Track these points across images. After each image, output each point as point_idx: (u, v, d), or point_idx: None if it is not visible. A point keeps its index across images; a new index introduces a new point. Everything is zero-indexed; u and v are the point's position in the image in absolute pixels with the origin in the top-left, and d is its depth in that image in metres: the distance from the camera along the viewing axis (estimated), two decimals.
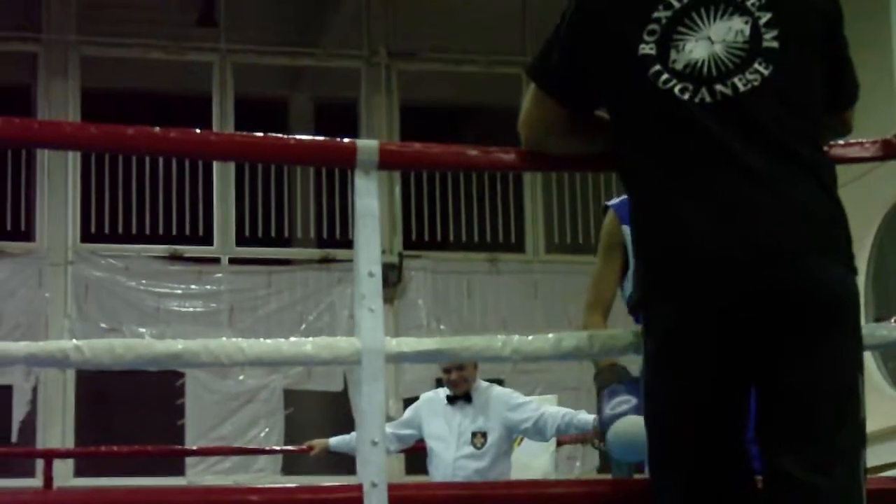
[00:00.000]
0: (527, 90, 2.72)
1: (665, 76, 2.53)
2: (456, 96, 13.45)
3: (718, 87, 2.52)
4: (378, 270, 2.71)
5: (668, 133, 2.53)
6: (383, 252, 12.41)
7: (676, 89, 2.52)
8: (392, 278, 12.34)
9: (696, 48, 2.54)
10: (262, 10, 12.74)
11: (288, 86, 13.28)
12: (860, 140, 2.95)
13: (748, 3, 2.55)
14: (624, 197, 3.98)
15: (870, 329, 2.89)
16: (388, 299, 12.27)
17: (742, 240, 2.46)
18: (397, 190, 12.51)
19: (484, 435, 6.48)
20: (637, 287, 2.61)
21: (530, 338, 2.82)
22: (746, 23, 2.55)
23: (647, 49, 2.54)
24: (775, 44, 2.54)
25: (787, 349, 2.48)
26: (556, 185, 12.76)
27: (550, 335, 2.83)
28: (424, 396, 6.77)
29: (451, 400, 6.55)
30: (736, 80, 2.52)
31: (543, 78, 2.67)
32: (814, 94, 2.60)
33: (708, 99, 2.52)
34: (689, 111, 2.52)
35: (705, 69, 2.52)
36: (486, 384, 6.64)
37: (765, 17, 2.55)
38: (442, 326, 12.30)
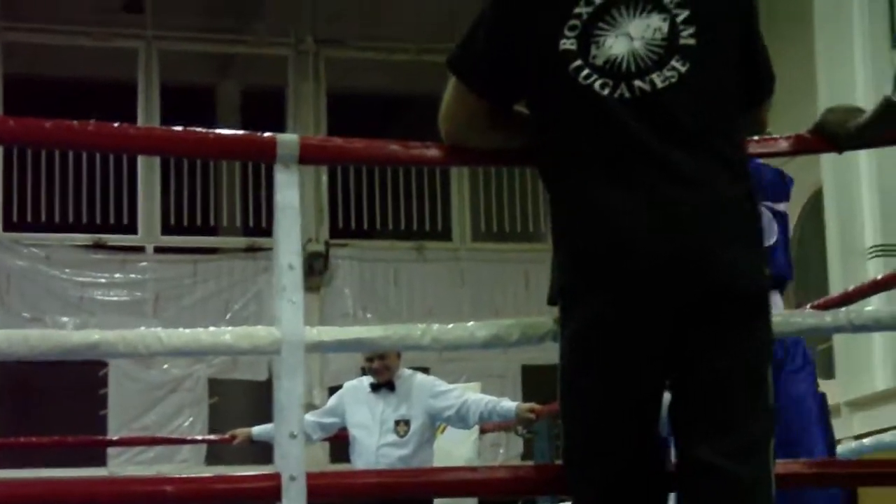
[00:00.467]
0: (448, 83, 2.73)
1: (586, 71, 2.55)
2: (386, 85, 13.44)
3: (637, 82, 2.55)
4: (298, 263, 2.72)
5: (589, 128, 2.56)
6: (310, 241, 12.47)
7: (596, 85, 2.55)
8: (318, 267, 12.33)
9: (616, 44, 2.56)
10: None
11: (215, 73, 13.21)
12: (776, 136, 3.00)
13: (666, 1, 2.58)
14: None
15: (784, 317, 2.94)
16: (315, 288, 12.26)
17: (662, 232, 2.49)
18: (324, 179, 12.50)
19: (407, 423, 6.50)
20: (558, 277, 2.63)
21: (449, 326, 2.84)
22: (664, 20, 2.58)
23: (567, 44, 2.56)
24: (692, 41, 2.58)
25: (703, 339, 2.52)
26: (483, 173, 12.80)
27: (469, 324, 2.85)
28: (348, 385, 6.78)
29: (374, 388, 6.56)
30: (654, 76, 2.55)
31: (465, 71, 2.68)
32: (730, 90, 2.63)
33: (627, 94, 2.55)
34: (608, 106, 2.54)
35: (624, 65, 2.55)
36: (409, 372, 6.65)
37: (682, 15, 2.58)
38: (368, 315, 12.31)
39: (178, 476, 3.14)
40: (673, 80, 2.55)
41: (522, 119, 2.71)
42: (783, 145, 3.01)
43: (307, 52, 12.75)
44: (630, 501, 2.59)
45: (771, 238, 3.78)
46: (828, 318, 3.06)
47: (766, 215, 3.82)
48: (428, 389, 6.54)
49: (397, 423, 6.49)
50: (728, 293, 2.53)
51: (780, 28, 11.21)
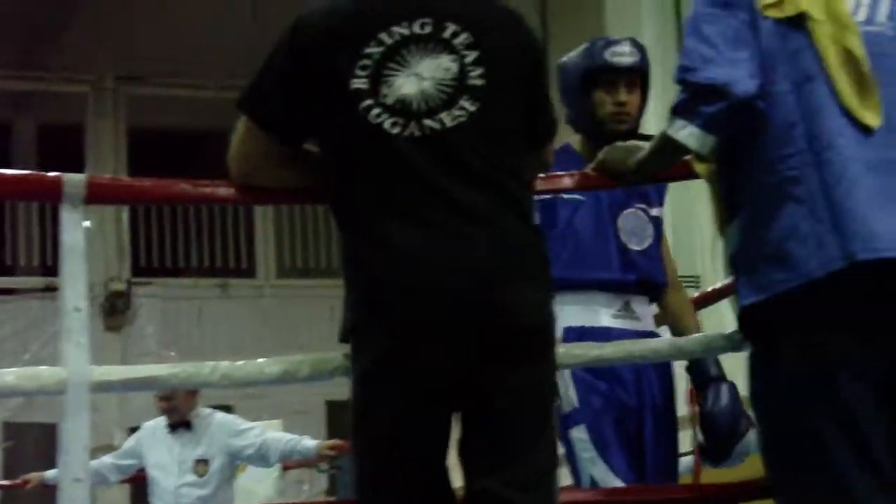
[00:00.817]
0: (237, 123, 2.73)
1: (376, 110, 2.59)
2: (187, 122, 13.33)
3: (427, 122, 2.60)
4: (84, 305, 2.69)
5: (380, 166, 2.60)
6: (111, 279, 12.27)
7: (387, 124, 2.59)
8: (120, 306, 12.14)
9: (406, 84, 2.61)
10: None
11: (12, 109, 12.93)
12: (561, 173, 3.08)
13: (455, 42, 2.65)
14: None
15: (567, 349, 3.02)
16: (116, 327, 12.07)
17: (450, 268, 2.54)
18: (125, 216, 12.33)
19: (206, 462, 6.46)
20: (349, 314, 2.66)
21: (239, 363, 2.83)
22: (454, 61, 2.64)
23: (359, 83, 2.60)
24: (480, 81, 2.64)
25: (490, 375, 2.58)
26: (287, 210, 12.78)
27: (259, 360, 2.85)
28: (146, 425, 6.70)
29: (171, 428, 6.50)
30: (444, 115, 2.61)
31: (256, 109, 2.69)
32: (516, 131, 2.71)
33: (417, 133, 2.59)
34: (398, 145, 2.59)
35: (415, 105, 2.60)
36: (208, 411, 6.61)
37: (471, 56, 2.64)
38: (172, 354, 12.13)
39: None
40: (462, 119, 2.61)
41: (313, 158, 2.74)
42: (567, 182, 3.09)
43: (106, 89, 12.58)
44: None
45: (645, 242, 3.77)
46: (608, 349, 3.14)
47: (642, 218, 3.85)
48: (227, 429, 6.50)
49: (196, 462, 6.43)
50: (513, 330, 2.58)
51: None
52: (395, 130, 2.58)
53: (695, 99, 2.61)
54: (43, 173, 2.75)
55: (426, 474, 2.63)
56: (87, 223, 2.83)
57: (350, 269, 2.67)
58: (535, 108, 2.77)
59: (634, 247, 3.78)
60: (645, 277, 3.77)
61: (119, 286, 12.11)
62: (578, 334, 3.62)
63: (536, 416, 2.63)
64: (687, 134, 2.63)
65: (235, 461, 6.59)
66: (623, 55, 3.75)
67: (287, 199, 3.14)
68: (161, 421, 6.59)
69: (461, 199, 2.58)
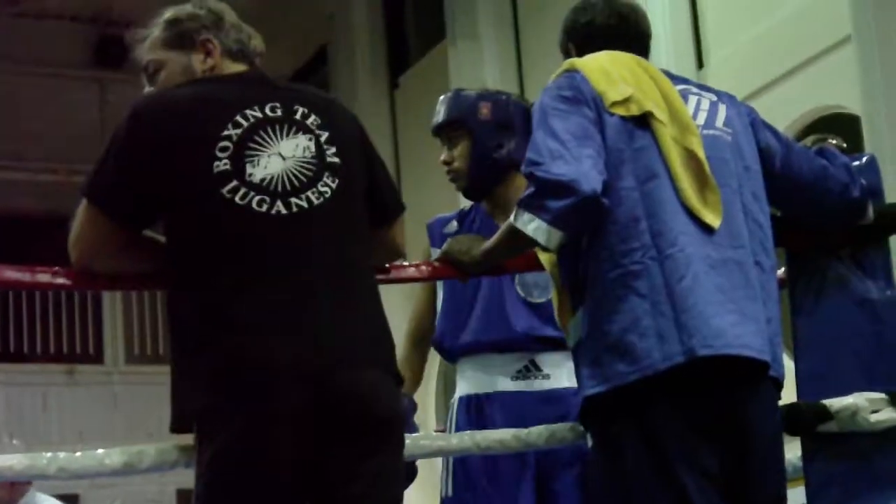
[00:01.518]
0: (78, 209, 2.69)
1: (244, 190, 2.57)
2: (34, 205, 13.12)
3: (294, 199, 2.60)
4: None
5: (242, 245, 2.57)
6: None
7: (254, 202, 2.58)
8: None
9: (270, 164, 2.60)
10: None
11: None
12: (406, 263, 3.09)
13: (308, 122, 2.67)
14: (437, 216, 3.93)
15: (413, 439, 3.00)
16: None
17: (305, 353, 2.52)
18: None
19: None
20: (190, 400, 2.60)
21: (77, 454, 2.75)
22: (310, 140, 2.65)
23: (222, 166, 2.58)
24: (337, 159, 2.66)
25: (339, 464, 2.55)
26: (136, 296, 12.61)
27: (99, 451, 2.78)
28: None
29: None
30: (309, 193, 2.61)
31: (97, 195, 2.65)
32: (365, 210, 2.73)
33: (284, 211, 2.59)
34: (266, 223, 2.57)
35: (280, 185, 2.59)
36: (43, 497, 6.62)
37: (324, 135, 2.67)
38: (15, 441, 11.82)
39: None
40: (327, 195, 2.62)
41: (153, 243, 2.70)
42: (413, 272, 3.09)
43: None
44: None
45: (549, 292, 3.25)
46: (454, 440, 3.14)
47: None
48: None
49: None
50: (367, 418, 2.57)
51: (425, 159, 11.59)
52: (263, 208, 2.58)
53: (542, 194, 2.64)
54: None
55: None
56: None
57: (192, 353, 2.61)
58: (379, 185, 2.80)
59: (537, 299, 3.49)
60: (550, 332, 3.42)
61: None
62: (468, 403, 3.52)
63: None
64: (534, 228, 2.66)
65: None
66: (435, 116, 3.68)
67: (126, 286, 3.08)
68: None
69: (321, 282, 2.57)
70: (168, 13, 2.84)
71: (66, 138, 12.51)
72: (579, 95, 2.73)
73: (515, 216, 2.69)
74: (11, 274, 2.82)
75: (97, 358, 12.73)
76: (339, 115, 2.76)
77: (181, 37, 2.80)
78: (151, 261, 2.71)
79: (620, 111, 2.72)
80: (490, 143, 3.57)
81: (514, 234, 2.72)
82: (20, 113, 12.50)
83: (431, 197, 11.47)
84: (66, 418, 12.30)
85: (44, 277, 2.81)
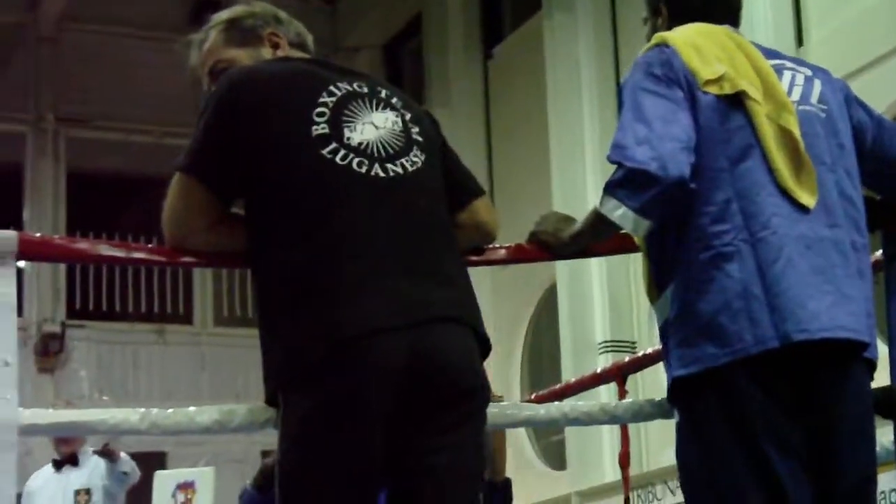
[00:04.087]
0: (171, 187, 2.72)
1: (343, 152, 2.61)
2: (127, 165, 13.28)
3: (389, 165, 2.64)
4: (13, 360, 2.64)
5: (341, 205, 2.60)
6: (45, 321, 12.15)
7: (354, 163, 2.62)
8: (54, 348, 12.03)
9: (365, 130, 2.66)
10: None
11: None
12: (496, 245, 3.08)
13: (393, 101, 2.73)
14: None
15: (501, 409, 3.01)
16: (49, 369, 11.95)
17: (398, 313, 2.54)
18: None
19: (87, 492, 6.59)
20: (279, 369, 2.62)
21: (169, 411, 2.79)
22: (397, 116, 2.71)
23: (320, 129, 2.63)
24: (420, 138, 2.71)
25: (429, 429, 2.57)
26: None
27: (190, 409, 2.81)
28: (31, 477, 6.88)
29: (57, 467, 6.67)
30: (403, 160, 2.66)
31: (193, 165, 2.67)
32: (444, 188, 2.76)
33: (382, 174, 2.63)
34: (364, 184, 2.61)
35: (375, 150, 2.64)
36: (89, 450, 6.77)
37: (408, 115, 2.73)
38: (105, 398, 12.04)
39: None
40: (418, 166, 2.67)
41: (240, 220, 2.74)
42: (503, 253, 3.09)
43: (47, 130, 12.51)
44: None
45: None
46: (542, 410, 3.14)
47: None
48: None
49: (77, 492, 6.56)
50: (458, 390, 2.59)
51: (517, 134, 11.59)
52: (362, 169, 2.61)
53: (628, 182, 2.61)
54: None
55: None
56: (21, 263, 2.80)
57: (286, 317, 2.63)
58: (458, 167, 2.83)
59: None
60: None
61: (53, 328, 12.00)
62: None
63: (473, 473, 2.63)
64: (620, 215, 2.64)
65: (116, 495, 6.69)
66: None
67: (218, 263, 3.11)
68: (46, 466, 6.75)
69: (416, 245, 2.60)
70: (223, 15, 2.91)
71: (160, 100, 12.63)
72: (670, 73, 2.69)
73: (602, 202, 2.67)
74: (108, 250, 2.85)
75: (186, 319, 12.88)
76: (414, 103, 2.83)
77: (245, 34, 2.86)
78: (241, 238, 2.74)
79: (713, 90, 2.68)
80: None
81: (601, 220, 2.70)
82: (113, 74, 12.64)
83: (522, 171, 11.47)
84: (155, 377, 12.47)
85: (139, 254, 2.84)
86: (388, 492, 2.66)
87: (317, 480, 2.60)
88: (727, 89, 2.68)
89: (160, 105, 12.61)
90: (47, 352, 11.99)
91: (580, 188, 10.07)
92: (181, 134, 12.39)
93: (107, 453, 6.43)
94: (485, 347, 2.71)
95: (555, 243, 2.93)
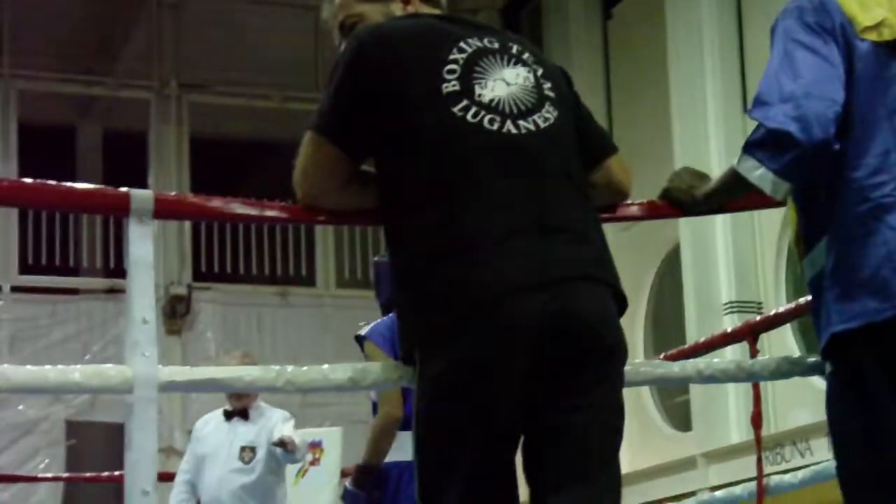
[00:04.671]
0: (302, 146, 2.73)
1: (474, 109, 2.61)
2: (249, 131, 13.41)
3: (521, 122, 2.62)
4: (152, 317, 2.68)
5: (475, 162, 2.59)
6: (172, 283, 12.34)
7: (486, 120, 2.61)
8: (180, 310, 12.22)
9: (496, 87, 2.64)
10: (50, 36, 12.50)
11: (75, 114, 13.05)
12: (629, 202, 3.06)
13: (524, 57, 2.71)
14: (376, 322, 4.43)
15: (634, 366, 2.99)
16: (176, 331, 12.14)
17: (535, 270, 2.53)
18: (187, 222, 12.41)
19: (253, 450, 6.54)
20: (415, 327, 2.62)
21: (304, 368, 2.82)
22: (529, 72, 2.69)
23: (451, 86, 2.62)
24: (553, 94, 2.68)
25: (570, 390, 2.56)
26: None
27: (324, 366, 2.83)
28: (200, 421, 6.82)
29: (227, 416, 6.62)
30: (535, 117, 2.64)
31: (325, 125, 2.69)
32: (577, 146, 2.73)
33: (514, 131, 2.61)
34: (496, 141, 2.60)
35: (507, 107, 2.63)
36: (266, 406, 6.72)
37: (540, 71, 2.71)
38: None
39: None
40: (550, 122, 2.64)
41: (371, 178, 2.74)
42: (634, 210, 3.06)
43: (170, 96, 12.67)
44: None
45: None
46: (675, 368, 3.11)
47: None
48: (277, 419, 6.59)
49: (242, 449, 6.52)
50: (598, 345, 2.57)
51: (637, 94, 11.48)
52: (494, 126, 2.60)
53: (768, 142, 2.54)
54: (111, 188, 2.75)
55: (496, 479, 2.61)
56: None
57: (422, 276, 2.62)
58: (590, 125, 2.80)
59: None
60: None
61: (180, 290, 12.19)
62: None
63: (611, 432, 2.62)
64: (759, 176, 2.57)
65: (278, 459, 6.63)
66: None
67: (346, 221, 3.12)
68: (217, 412, 6.69)
69: (551, 201, 2.58)
70: None
71: (281, 65, 12.72)
72: (825, 20, 2.59)
73: (739, 160, 2.60)
74: (241, 209, 2.88)
75: (309, 281, 12.98)
76: (546, 59, 2.80)
77: None
78: (373, 197, 2.74)
79: (872, 36, 2.57)
80: None
81: (737, 179, 2.63)
82: (235, 39, 12.74)
83: (643, 130, 11.38)
84: (279, 339, 12.59)
85: (271, 212, 2.87)
86: (525, 451, 2.65)
87: (452, 440, 2.60)
88: (886, 35, 2.58)
89: (282, 70, 12.69)
90: (174, 314, 12.18)
91: (702, 145, 9.95)
92: (303, 98, 12.52)
93: (282, 445, 6.38)
94: (622, 305, 2.68)
95: (688, 201, 2.88)
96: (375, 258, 5.40)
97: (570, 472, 2.57)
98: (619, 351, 2.63)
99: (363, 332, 4.61)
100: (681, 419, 11.03)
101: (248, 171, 12.99)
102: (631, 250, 10.72)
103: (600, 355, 2.58)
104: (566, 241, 2.58)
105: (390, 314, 4.29)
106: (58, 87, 12.61)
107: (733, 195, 2.79)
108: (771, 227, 9.72)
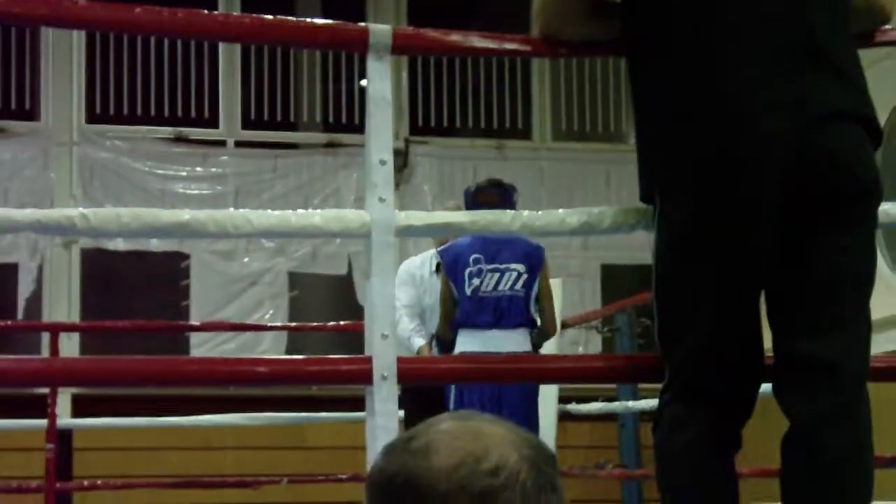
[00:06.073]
0: None
1: None
2: None
3: None
4: (389, 158, 2.69)
5: (724, 3, 2.51)
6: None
7: None
8: (398, 164, 12.31)
9: None
10: None
11: None
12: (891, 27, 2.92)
13: None
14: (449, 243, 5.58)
15: (885, 208, 2.87)
16: (395, 184, 12.27)
17: (789, 115, 2.44)
18: (404, 75, 12.45)
19: None
20: (660, 168, 2.55)
21: (539, 213, 2.83)
22: None
23: None
24: None
25: (819, 236, 2.48)
26: (564, 70, 12.68)
27: (559, 210, 2.84)
28: (407, 271, 7.04)
29: (437, 267, 6.93)
30: None
31: None
32: None
33: None
34: None
35: None
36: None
37: None
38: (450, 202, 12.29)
39: (271, 357, 3.17)
40: None
41: (612, 8, 2.66)
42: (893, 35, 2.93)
43: None
44: (725, 371, 2.55)
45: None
46: None
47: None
48: None
49: None
50: (850, 190, 2.47)
51: None
52: None
53: None
54: (350, 23, 2.75)
55: (740, 324, 2.55)
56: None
57: (667, 117, 2.55)
58: None
59: None
60: None
61: (398, 144, 12.27)
62: None
63: (864, 277, 2.52)
64: None
65: None
66: None
67: (587, 52, 3.08)
68: (424, 258, 6.97)
69: (802, 37, 2.47)
70: None
71: None
72: None
73: None
74: (480, 42, 2.86)
75: (525, 134, 12.93)
76: None
77: None
78: (612, 27, 2.67)
79: None
80: None
81: None
82: None
83: None
84: None
85: (511, 45, 2.85)
86: (770, 297, 2.58)
87: (693, 287, 2.55)
88: None
89: None
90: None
91: None
92: None
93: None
94: (877, 140, 2.56)
95: None
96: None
97: (826, 320, 2.50)
98: (872, 192, 2.52)
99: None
100: None
101: (466, 18, 12.88)
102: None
103: (852, 197, 2.48)
104: (818, 77, 2.47)
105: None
106: None
107: None
108: None
